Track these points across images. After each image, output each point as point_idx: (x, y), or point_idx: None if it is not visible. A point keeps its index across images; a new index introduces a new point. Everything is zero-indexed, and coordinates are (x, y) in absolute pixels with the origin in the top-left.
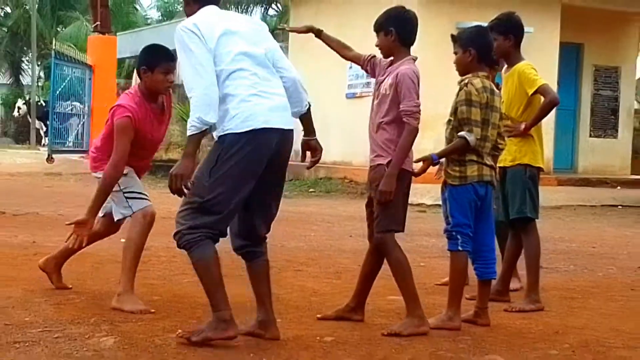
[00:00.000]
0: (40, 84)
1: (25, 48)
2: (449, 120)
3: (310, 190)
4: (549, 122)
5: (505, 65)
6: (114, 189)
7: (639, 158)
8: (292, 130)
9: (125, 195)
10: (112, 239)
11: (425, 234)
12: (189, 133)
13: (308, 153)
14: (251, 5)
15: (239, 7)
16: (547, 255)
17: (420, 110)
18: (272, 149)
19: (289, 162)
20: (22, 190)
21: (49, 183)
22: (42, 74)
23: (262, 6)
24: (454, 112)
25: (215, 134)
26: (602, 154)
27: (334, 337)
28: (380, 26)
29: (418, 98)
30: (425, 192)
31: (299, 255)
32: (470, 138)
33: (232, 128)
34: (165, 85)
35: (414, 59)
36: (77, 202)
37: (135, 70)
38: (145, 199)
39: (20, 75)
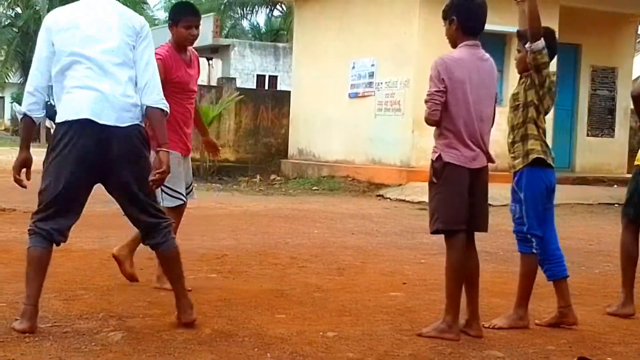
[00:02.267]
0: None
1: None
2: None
3: (314, 188)
4: (547, 122)
5: None
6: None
7: (635, 157)
8: (117, 127)
9: (164, 189)
10: (120, 237)
11: (425, 231)
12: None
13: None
14: (256, 6)
15: (244, 8)
16: None
17: (429, 99)
18: (92, 141)
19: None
20: (33, 188)
21: None
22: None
23: (266, 7)
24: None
25: None
26: (599, 153)
27: (337, 332)
28: (445, 15)
29: (435, 86)
30: (426, 191)
31: (302, 252)
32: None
33: (57, 119)
34: (189, 38)
35: (470, 45)
36: None
37: None
38: (180, 199)
39: None
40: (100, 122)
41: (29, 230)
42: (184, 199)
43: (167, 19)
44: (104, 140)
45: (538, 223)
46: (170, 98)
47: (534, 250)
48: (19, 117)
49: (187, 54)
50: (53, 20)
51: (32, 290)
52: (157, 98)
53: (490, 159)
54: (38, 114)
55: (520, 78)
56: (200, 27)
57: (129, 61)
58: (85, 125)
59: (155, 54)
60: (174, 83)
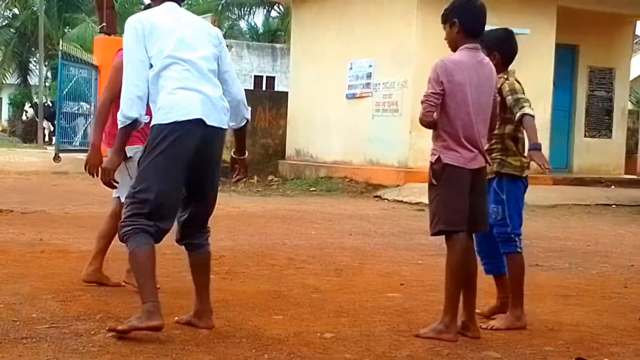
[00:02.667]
0: (47, 84)
1: (32, 49)
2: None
3: (311, 189)
4: (544, 122)
5: None
6: (122, 171)
7: (632, 158)
8: (219, 129)
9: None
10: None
11: (423, 232)
12: (119, 126)
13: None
14: (254, 7)
15: (242, 9)
16: (542, 253)
17: (424, 100)
18: (197, 141)
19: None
20: (30, 189)
21: (56, 181)
22: (49, 75)
23: (264, 8)
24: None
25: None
26: (596, 153)
27: (334, 333)
28: (445, 18)
29: (432, 88)
30: (424, 191)
31: (300, 253)
32: (528, 110)
33: (157, 120)
34: None
35: (470, 48)
36: (83, 200)
37: None
38: None
39: (27, 76)
40: (208, 123)
41: (131, 230)
42: None
43: None
44: (209, 141)
45: (520, 222)
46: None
47: (519, 249)
48: (125, 122)
49: None
50: (141, 25)
51: (152, 288)
52: (248, 109)
53: (487, 161)
54: (146, 118)
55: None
56: None
57: (215, 69)
58: (194, 126)
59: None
60: None
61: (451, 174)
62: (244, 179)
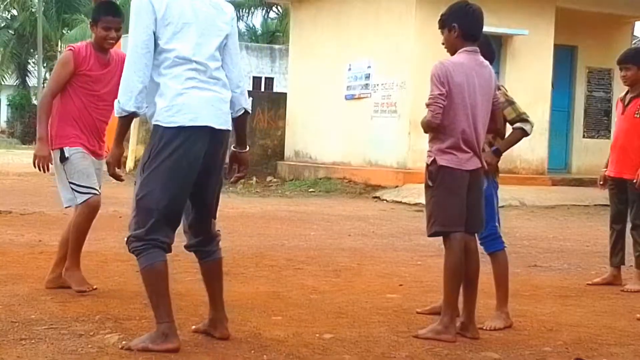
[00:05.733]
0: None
1: (31, 50)
2: None
3: (310, 190)
4: (543, 123)
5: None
6: (60, 175)
7: None
8: (227, 131)
9: (72, 186)
10: (116, 238)
11: (422, 233)
12: (116, 115)
13: (235, 166)
14: (252, 8)
15: (240, 9)
16: (541, 254)
17: (432, 102)
18: (205, 146)
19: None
20: (29, 190)
21: (54, 183)
22: (47, 76)
23: (263, 9)
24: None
25: (149, 119)
26: (595, 154)
27: (333, 334)
28: (444, 23)
29: (438, 89)
30: (423, 192)
31: (299, 254)
32: (527, 127)
33: (161, 120)
34: (107, 40)
35: (469, 51)
36: None
37: None
38: (90, 192)
39: (26, 77)
40: (216, 127)
41: (142, 246)
42: (97, 192)
43: (90, 18)
44: (217, 144)
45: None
46: (91, 106)
47: (505, 245)
48: (123, 114)
49: (106, 55)
50: (152, 5)
51: (167, 307)
52: (248, 100)
53: (482, 162)
54: (145, 110)
55: None
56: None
57: (220, 57)
58: (202, 130)
59: (70, 45)
60: (82, 76)
61: (446, 175)
62: (243, 177)
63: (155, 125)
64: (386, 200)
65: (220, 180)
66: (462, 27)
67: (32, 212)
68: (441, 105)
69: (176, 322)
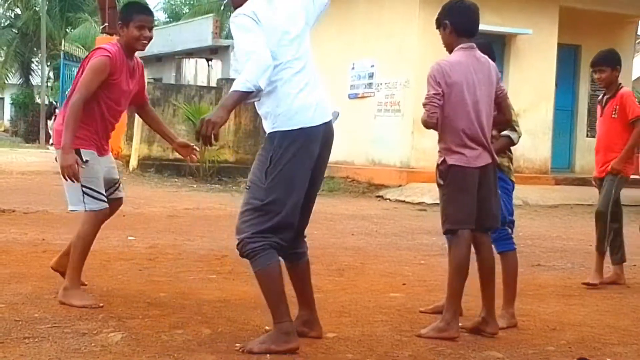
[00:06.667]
0: (49, 84)
1: (35, 49)
2: None
3: None
4: (547, 122)
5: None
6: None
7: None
8: (330, 122)
9: (83, 189)
10: (120, 237)
11: (425, 232)
12: (236, 88)
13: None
14: None
15: None
16: (544, 253)
17: (428, 102)
18: (320, 142)
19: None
20: (32, 189)
21: (57, 181)
22: (51, 75)
23: None
24: None
25: (266, 129)
26: None
27: (336, 333)
28: (438, 22)
29: (433, 89)
30: (426, 191)
31: None
32: (514, 136)
33: (279, 125)
34: (141, 40)
35: (465, 48)
36: None
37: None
38: (102, 200)
39: (30, 76)
40: (326, 120)
41: (260, 247)
42: (105, 202)
43: (119, 20)
44: (329, 138)
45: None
46: (109, 109)
47: (515, 246)
48: (252, 89)
49: (132, 62)
50: (251, 18)
51: (285, 307)
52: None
53: (493, 158)
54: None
55: None
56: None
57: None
58: (315, 129)
59: (103, 49)
60: (111, 86)
61: (456, 174)
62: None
63: (273, 132)
64: (389, 199)
65: (323, 177)
66: (454, 24)
67: (36, 210)
68: (437, 105)
69: (180, 321)
